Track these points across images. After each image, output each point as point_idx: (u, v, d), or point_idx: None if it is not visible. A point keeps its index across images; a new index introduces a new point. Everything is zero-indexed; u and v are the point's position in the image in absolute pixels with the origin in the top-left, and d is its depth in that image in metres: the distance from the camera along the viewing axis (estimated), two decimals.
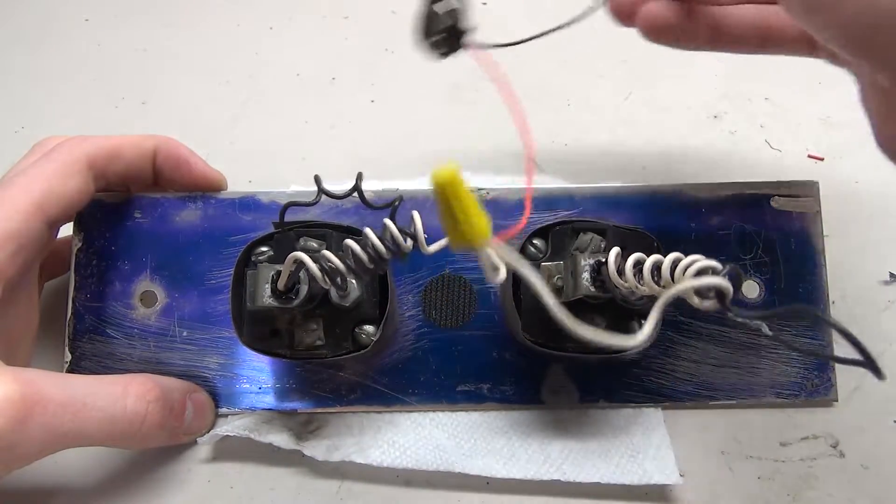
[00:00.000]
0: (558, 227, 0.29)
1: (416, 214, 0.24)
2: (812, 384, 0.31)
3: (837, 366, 0.31)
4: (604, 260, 0.25)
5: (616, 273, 0.24)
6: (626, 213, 0.32)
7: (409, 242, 0.24)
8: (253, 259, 0.28)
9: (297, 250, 0.27)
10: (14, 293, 0.28)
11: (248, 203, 0.32)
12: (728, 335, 0.31)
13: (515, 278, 0.29)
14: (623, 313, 0.27)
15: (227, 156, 0.37)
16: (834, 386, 0.31)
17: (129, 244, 0.32)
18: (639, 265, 0.24)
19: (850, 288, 0.34)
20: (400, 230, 0.24)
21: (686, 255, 0.23)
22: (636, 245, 0.28)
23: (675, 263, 0.23)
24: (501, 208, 0.32)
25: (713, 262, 0.22)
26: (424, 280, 0.32)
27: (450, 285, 0.32)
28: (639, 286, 0.24)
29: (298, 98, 0.39)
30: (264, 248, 0.28)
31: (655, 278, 0.23)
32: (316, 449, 0.30)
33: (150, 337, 0.31)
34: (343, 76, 0.40)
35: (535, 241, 0.29)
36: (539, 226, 0.29)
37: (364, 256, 0.24)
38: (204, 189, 0.33)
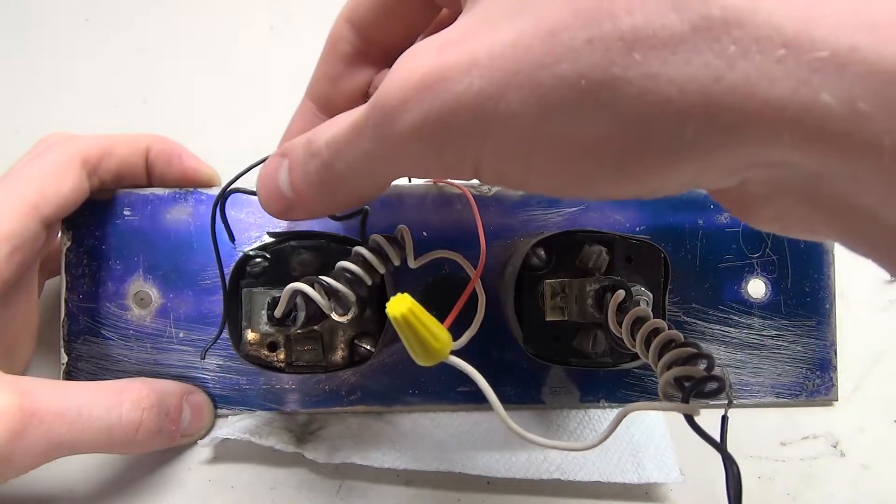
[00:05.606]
0: (562, 237, 0.28)
1: (405, 230, 0.25)
2: (813, 384, 0.31)
3: (840, 365, 0.31)
4: (608, 284, 0.25)
5: (615, 319, 0.24)
6: (632, 210, 0.31)
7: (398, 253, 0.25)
8: (248, 269, 0.28)
9: (292, 264, 0.27)
10: (11, 294, 0.28)
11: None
12: (730, 335, 0.31)
13: (518, 291, 0.28)
14: None
15: (227, 156, 0.36)
16: (834, 386, 0.31)
17: (120, 243, 0.31)
18: (639, 323, 0.24)
19: (850, 288, 0.34)
20: (389, 239, 0.25)
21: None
22: (643, 258, 0.27)
23: (663, 347, 0.22)
24: (502, 206, 0.32)
25: (694, 370, 0.21)
26: (424, 280, 0.32)
27: (450, 285, 0.32)
28: (630, 339, 0.24)
29: (299, 98, 0.39)
30: (258, 259, 0.28)
31: (644, 342, 0.23)
32: (317, 451, 0.30)
33: (147, 338, 0.31)
34: None
35: (538, 251, 0.28)
36: (542, 236, 0.28)
37: (366, 277, 0.24)
38: (196, 184, 0.32)
